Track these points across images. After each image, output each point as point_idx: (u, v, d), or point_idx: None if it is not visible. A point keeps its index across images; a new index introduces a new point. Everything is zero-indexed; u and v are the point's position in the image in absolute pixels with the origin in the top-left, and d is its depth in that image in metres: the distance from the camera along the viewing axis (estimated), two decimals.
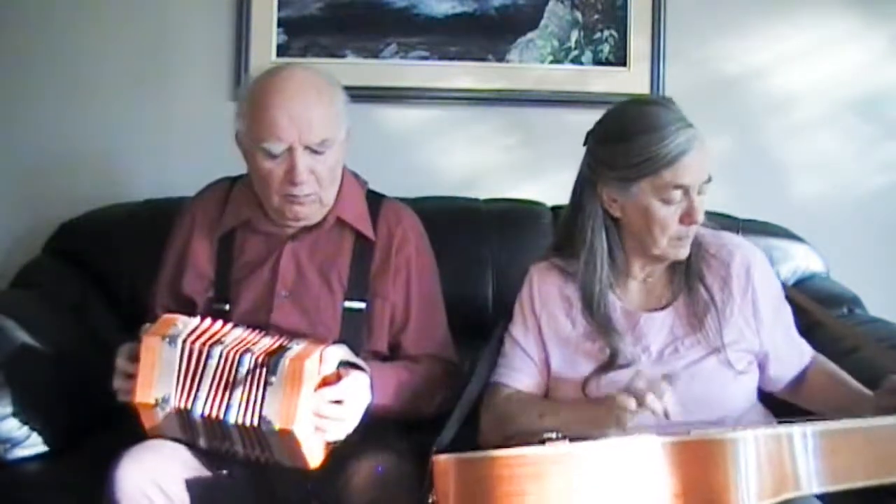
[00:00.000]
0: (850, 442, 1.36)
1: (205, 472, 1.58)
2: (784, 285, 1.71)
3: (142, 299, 1.92)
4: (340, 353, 1.59)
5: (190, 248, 1.81)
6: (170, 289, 1.82)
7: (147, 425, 1.56)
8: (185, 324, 1.58)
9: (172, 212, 1.92)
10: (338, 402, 1.54)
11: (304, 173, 1.67)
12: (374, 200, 1.85)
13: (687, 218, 1.53)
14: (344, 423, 1.56)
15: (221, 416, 1.51)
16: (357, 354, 1.65)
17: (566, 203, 1.69)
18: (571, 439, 1.29)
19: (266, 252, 1.77)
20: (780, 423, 1.41)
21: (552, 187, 2.35)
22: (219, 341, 1.56)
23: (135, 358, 1.56)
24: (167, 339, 1.55)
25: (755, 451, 1.29)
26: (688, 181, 1.51)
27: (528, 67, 2.47)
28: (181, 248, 1.83)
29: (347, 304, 1.75)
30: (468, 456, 1.30)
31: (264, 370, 1.51)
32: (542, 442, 1.29)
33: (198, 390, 1.53)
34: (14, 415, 1.73)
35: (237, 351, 1.54)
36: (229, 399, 1.52)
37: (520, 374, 1.64)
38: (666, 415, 1.37)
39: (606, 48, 2.47)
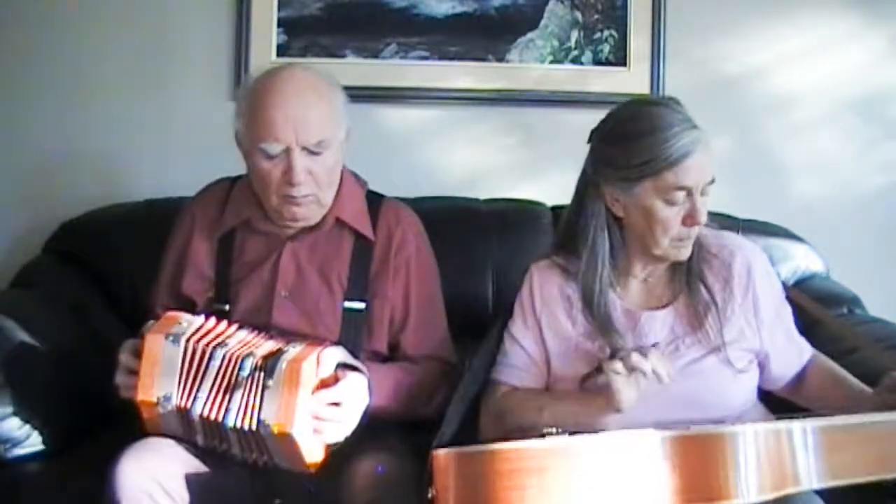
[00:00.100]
0: (850, 438, 1.36)
1: (205, 471, 1.58)
2: (784, 285, 1.71)
3: (142, 299, 1.92)
4: (338, 354, 1.59)
5: (190, 247, 1.81)
6: (170, 289, 1.82)
7: (147, 424, 1.57)
8: (189, 322, 1.58)
9: (172, 212, 1.92)
10: (336, 404, 1.54)
11: (301, 174, 1.67)
12: (374, 200, 1.85)
13: (689, 219, 1.53)
14: (342, 426, 1.56)
15: (220, 419, 1.52)
16: (356, 355, 1.65)
17: (566, 203, 1.69)
18: (571, 434, 1.29)
19: (266, 252, 1.77)
20: (779, 418, 1.41)
21: (552, 187, 2.35)
22: (222, 343, 1.56)
23: (138, 354, 1.56)
24: (170, 338, 1.55)
25: (755, 446, 1.29)
26: (690, 183, 1.50)
27: (528, 67, 2.47)
28: (181, 248, 1.83)
29: (347, 304, 1.75)
30: (468, 450, 1.30)
31: (262, 373, 1.51)
32: (542, 436, 1.29)
33: (198, 391, 1.53)
34: (14, 414, 1.73)
35: (240, 354, 1.54)
36: (229, 402, 1.52)
37: (519, 371, 1.64)
38: (657, 375, 1.37)
39: (606, 48, 2.47)
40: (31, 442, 1.76)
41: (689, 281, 1.60)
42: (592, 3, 2.46)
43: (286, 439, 1.49)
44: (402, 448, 1.62)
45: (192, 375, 1.54)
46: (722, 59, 2.49)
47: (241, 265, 1.78)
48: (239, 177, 1.86)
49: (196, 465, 1.58)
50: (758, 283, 1.60)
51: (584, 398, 1.53)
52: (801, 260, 2.27)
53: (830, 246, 2.35)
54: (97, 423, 1.85)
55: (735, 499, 1.26)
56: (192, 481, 1.54)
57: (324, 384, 1.55)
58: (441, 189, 2.37)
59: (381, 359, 1.78)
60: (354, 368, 1.60)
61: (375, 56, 2.47)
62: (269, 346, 1.57)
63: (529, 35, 2.47)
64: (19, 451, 1.75)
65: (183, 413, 1.54)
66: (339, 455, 1.55)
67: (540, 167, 2.48)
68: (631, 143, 1.53)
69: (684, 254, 1.58)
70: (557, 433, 1.30)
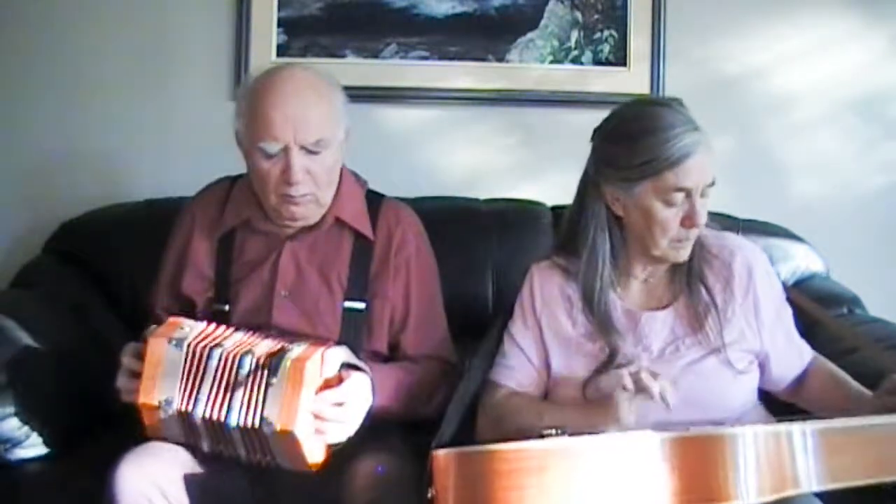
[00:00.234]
0: (850, 440, 1.36)
1: (204, 475, 1.58)
2: (784, 286, 1.71)
3: (142, 299, 1.92)
4: (342, 354, 1.59)
5: (190, 247, 1.81)
6: (170, 289, 1.82)
7: (149, 429, 1.56)
8: (192, 327, 1.58)
9: (172, 212, 1.92)
10: (339, 404, 1.54)
11: (299, 173, 1.67)
12: (374, 200, 1.85)
13: (688, 221, 1.53)
14: (345, 426, 1.56)
15: (223, 418, 1.51)
16: (357, 355, 1.65)
17: (566, 203, 1.69)
18: (570, 435, 1.29)
19: (266, 252, 1.77)
20: (779, 421, 1.41)
21: (552, 187, 2.36)
22: (219, 344, 1.56)
23: (140, 357, 1.56)
24: (173, 342, 1.54)
25: (754, 448, 1.29)
26: (690, 184, 1.50)
27: (528, 67, 2.47)
28: (181, 248, 1.82)
29: (347, 304, 1.75)
30: (468, 450, 1.30)
31: (265, 371, 1.51)
32: (542, 437, 1.29)
33: (199, 393, 1.53)
34: (14, 415, 1.73)
35: (237, 353, 1.54)
36: (230, 401, 1.52)
37: (517, 373, 1.64)
38: (664, 400, 1.37)
39: (606, 48, 2.47)
40: (32, 442, 1.76)
41: (690, 282, 1.60)
42: (592, 3, 2.46)
43: (288, 438, 1.49)
44: (402, 448, 1.62)
45: (192, 378, 1.54)
46: (722, 59, 2.49)
47: (241, 265, 1.78)
48: (239, 176, 1.86)
49: (195, 470, 1.57)
50: (758, 283, 1.60)
51: (585, 408, 1.53)
52: (801, 260, 2.27)
53: (830, 246, 2.35)
54: (97, 424, 1.85)
55: (734, 500, 1.26)
56: (191, 485, 1.54)
57: (328, 384, 1.55)
58: (441, 189, 2.37)
59: (381, 359, 1.78)
60: (358, 368, 1.60)
61: (375, 56, 2.47)
62: (268, 344, 1.56)
63: (529, 35, 2.47)
64: (19, 452, 1.75)
65: (185, 417, 1.53)
66: (340, 455, 1.55)
67: (540, 167, 2.48)
68: (632, 142, 1.53)
69: (683, 255, 1.58)
70: (557, 434, 1.29)
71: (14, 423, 1.73)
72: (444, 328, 1.86)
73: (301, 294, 1.74)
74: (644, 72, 2.46)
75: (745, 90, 2.49)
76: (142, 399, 1.53)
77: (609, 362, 1.55)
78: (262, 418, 1.49)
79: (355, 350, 1.66)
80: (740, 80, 2.49)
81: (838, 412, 1.43)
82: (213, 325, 1.60)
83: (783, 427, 1.33)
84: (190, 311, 1.73)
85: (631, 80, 2.45)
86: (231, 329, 1.60)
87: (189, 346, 1.54)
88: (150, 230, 2.02)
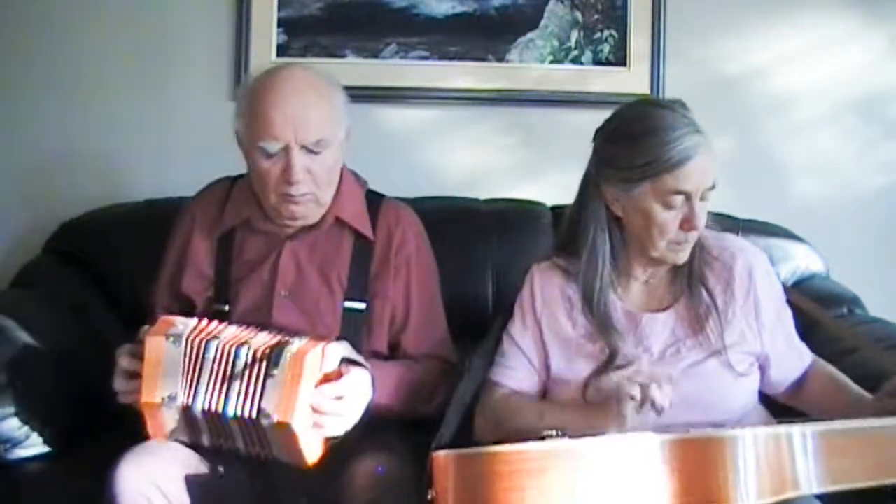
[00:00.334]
0: (850, 443, 1.36)
1: (204, 474, 1.58)
2: (784, 287, 1.71)
3: (142, 299, 1.92)
4: (342, 349, 1.59)
5: (190, 247, 1.81)
6: (170, 288, 1.82)
7: (151, 428, 1.56)
8: (186, 324, 1.58)
9: (172, 212, 1.92)
10: (338, 398, 1.54)
11: (299, 173, 1.67)
12: (374, 200, 1.85)
13: (686, 224, 1.52)
14: (343, 420, 1.56)
15: (221, 409, 1.51)
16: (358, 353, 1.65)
17: (566, 203, 1.69)
18: (571, 436, 1.29)
19: (266, 251, 1.78)
20: (779, 423, 1.41)
21: (552, 187, 2.36)
22: (215, 337, 1.56)
23: (137, 357, 1.56)
24: (171, 339, 1.54)
25: (754, 450, 1.29)
26: (690, 187, 1.50)
27: (528, 67, 2.47)
28: (181, 248, 1.83)
29: (347, 304, 1.75)
30: (468, 452, 1.30)
31: (265, 363, 1.51)
32: (542, 438, 1.29)
33: (198, 385, 1.53)
34: (14, 415, 1.73)
35: (232, 344, 1.54)
36: (227, 392, 1.51)
37: (516, 373, 1.64)
38: (661, 410, 1.37)
39: (606, 48, 2.47)
40: (32, 442, 1.76)
41: (691, 283, 1.60)
42: (592, 3, 2.46)
43: (285, 430, 1.49)
44: (402, 448, 1.62)
45: (192, 372, 1.54)
46: (722, 59, 2.49)
47: (241, 265, 1.78)
48: (239, 176, 1.86)
49: (196, 468, 1.58)
50: (759, 285, 1.60)
51: (585, 409, 1.53)
52: (801, 260, 2.27)
53: (830, 246, 2.35)
54: (97, 424, 1.85)
55: (734, 502, 1.26)
56: (191, 484, 1.54)
57: (327, 378, 1.54)
58: (441, 189, 2.37)
59: (381, 359, 1.78)
60: (358, 364, 1.60)
61: (375, 56, 2.46)
62: (265, 337, 1.56)
63: (529, 35, 2.47)
64: (19, 452, 1.75)
65: (187, 411, 1.54)
66: (339, 455, 1.55)
67: (540, 167, 2.48)
68: (632, 143, 1.52)
69: (682, 257, 1.58)
70: (557, 435, 1.29)
71: (14, 423, 1.73)
72: (444, 328, 1.86)
73: (301, 294, 1.75)
74: (644, 72, 2.46)
75: (745, 90, 2.49)
76: (144, 398, 1.53)
77: (609, 363, 1.55)
78: (259, 410, 1.49)
79: (355, 350, 1.66)
80: (740, 80, 2.49)
81: (838, 415, 1.43)
82: (207, 320, 1.60)
83: (783, 429, 1.34)
84: (190, 311, 1.73)
85: (631, 80, 2.45)
86: (224, 324, 1.60)
87: (187, 340, 1.54)
88: (150, 230, 2.02)
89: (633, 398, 1.39)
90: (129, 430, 1.58)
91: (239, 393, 1.51)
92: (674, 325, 1.59)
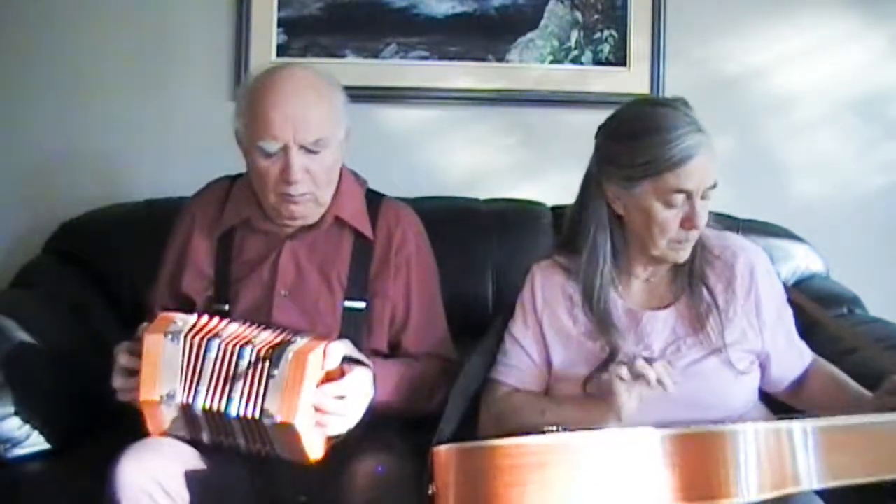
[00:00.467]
0: (851, 439, 1.37)
1: (205, 470, 1.58)
2: (784, 286, 1.71)
3: (142, 299, 1.92)
4: (344, 348, 1.59)
5: (190, 246, 1.81)
6: (169, 288, 1.82)
7: (151, 425, 1.56)
8: (185, 321, 1.58)
9: (172, 212, 1.92)
10: (340, 397, 1.54)
11: (298, 172, 1.67)
12: (374, 200, 1.85)
13: (687, 222, 1.52)
14: (346, 419, 1.56)
15: (223, 409, 1.51)
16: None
17: (566, 203, 1.69)
18: (572, 431, 1.29)
19: (265, 251, 1.78)
20: (780, 418, 1.41)
21: (552, 187, 2.36)
22: (217, 335, 1.56)
23: (136, 355, 1.56)
24: (169, 336, 1.54)
25: (755, 445, 1.29)
26: (690, 186, 1.50)
27: (528, 67, 2.47)
28: (181, 248, 1.83)
29: (347, 303, 1.75)
30: (469, 446, 1.30)
31: (267, 363, 1.51)
32: (543, 433, 1.29)
33: (199, 384, 1.53)
34: (14, 414, 1.73)
35: (236, 343, 1.54)
36: (230, 392, 1.51)
37: (519, 372, 1.64)
38: (661, 384, 1.37)
39: (606, 48, 2.47)
40: (32, 442, 1.76)
41: (692, 282, 1.60)
42: (592, 3, 2.46)
43: (288, 430, 1.49)
44: (402, 447, 1.62)
45: (192, 369, 1.54)
46: (722, 59, 2.49)
47: (241, 264, 1.78)
48: (239, 176, 1.86)
49: (196, 465, 1.57)
50: (760, 284, 1.60)
51: (586, 403, 1.53)
52: (801, 260, 2.27)
53: (830, 246, 2.35)
54: (97, 423, 1.85)
55: (735, 497, 1.27)
56: (192, 481, 1.53)
57: (329, 377, 1.55)
58: (441, 189, 2.37)
59: (382, 357, 1.78)
60: (360, 362, 1.61)
61: (375, 56, 2.47)
62: (267, 336, 1.56)
63: (529, 35, 2.47)
64: (19, 451, 1.75)
65: (186, 409, 1.54)
66: (340, 454, 1.55)
67: (540, 167, 2.48)
68: (634, 141, 1.52)
69: (682, 256, 1.58)
70: (558, 430, 1.29)
71: (14, 422, 1.73)
72: (445, 327, 1.86)
73: (301, 293, 1.75)
74: (644, 72, 2.46)
75: (745, 90, 2.49)
76: (142, 396, 1.53)
77: (610, 361, 1.55)
78: (262, 410, 1.49)
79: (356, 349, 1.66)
80: (740, 80, 2.49)
81: (838, 413, 1.42)
82: (207, 316, 1.60)
83: (784, 424, 1.34)
84: (190, 311, 1.72)
85: (631, 80, 2.45)
86: (225, 321, 1.60)
87: (186, 338, 1.54)
88: (150, 230, 2.02)
89: (621, 378, 1.40)
90: (128, 429, 1.58)
91: (241, 393, 1.51)
92: (674, 323, 1.59)
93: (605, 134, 1.60)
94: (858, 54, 2.49)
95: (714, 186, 1.53)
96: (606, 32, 2.47)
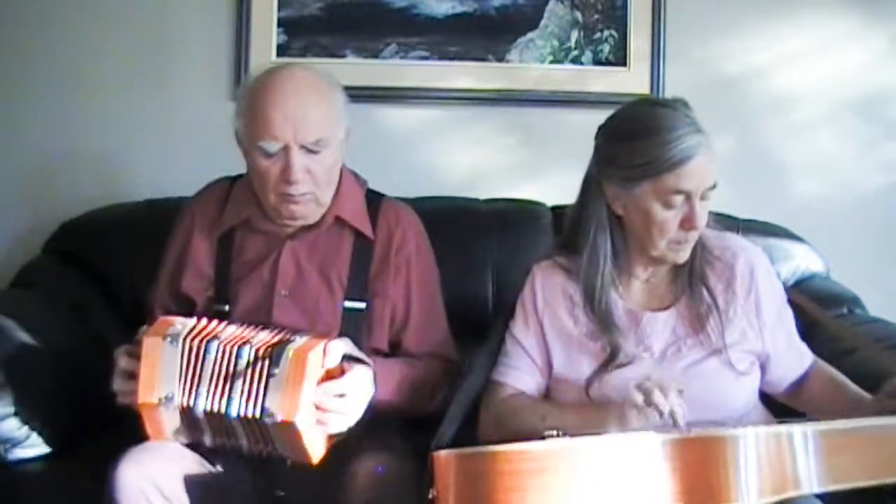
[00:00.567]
0: (851, 442, 1.36)
1: (205, 473, 1.58)
2: (784, 287, 1.71)
3: (142, 299, 1.92)
4: (344, 346, 1.59)
5: (190, 246, 1.81)
6: (169, 288, 1.82)
7: (150, 429, 1.55)
8: (184, 324, 1.58)
9: (172, 212, 1.92)
10: (341, 395, 1.54)
11: (299, 172, 1.67)
12: (374, 200, 1.85)
13: (687, 223, 1.52)
14: (346, 417, 1.55)
15: (223, 409, 1.51)
16: None
17: (566, 203, 1.69)
18: (572, 437, 1.29)
19: (266, 251, 1.78)
20: (780, 422, 1.41)
21: (552, 187, 2.36)
22: (215, 336, 1.56)
23: (135, 358, 1.56)
24: (168, 339, 1.54)
25: (755, 449, 1.29)
26: (690, 187, 1.50)
27: (528, 67, 2.47)
28: (181, 248, 1.83)
29: (347, 303, 1.75)
30: (469, 451, 1.30)
31: (267, 362, 1.51)
32: (543, 438, 1.29)
33: (199, 386, 1.53)
34: (14, 415, 1.73)
35: (234, 343, 1.54)
36: (230, 392, 1.51)
37: (520, 373, 1.64)
38: (673, 418, 1.36)
39: (606, 48, 2.47)
40: (31, 442, 1.76)
41: (692, 283, 1.60)
42: (592, 3, 2.46)
43: (289, 429, 1.49)
44: (402, 448, 1.62)
45: (191, 372, 1.54)
46: (722, 59, 2.49)
47: (241, 264, 1.78)
48: (239, 176, 1.86)
49: (196, 467, 1.58)
50: (760, 284, 1.60)
51: (587, 409, 1.53)
52: (801, 260, 2.27)
53: (830, 246, 2.35)
54: (97, 424, 1.85)
55: (735, 501, 1.26)
56: (191, 484, 1.54)
57: (329, 375, 1.55)
58: (441, 189, 2.37)
59: (382, 357, 1.78)
60: (360, 360, 1.61)
61: (375, 56, 2.47)
62: (265, 336, 1.56)
63: (529, 35, 2.47)
64: (19, 452, 1.75)
65: (186, 412, 1.53)
66: (340, 454, 1.55)
67: (540, 167, 2.48)
68: (633, 142, 1.52)
69: (682, 257, 1.58)
70: (558, 435, 1.29)
71: (14, 423, 1.73)
72: (445, 327, 1.86)
73: (301, 293, 1.75)
74: (644, 72, 2.46)
75: (745, 90, 2.49)
76: (141, 399, 1.53)
77: (610, 361, 1.55)
78: (263, 409, 1.49)
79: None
80: (740, 80, 2.49)
81: (838, 415, 1.42)
82: (206, 319, 1.60)
83: (784, 428, 1.33)
84: (190, 311, 1.73)
85: (631, 80, 2.45)
86: (224, 323, 1.60)
87: (185, 340, 1.54)
88: (150, 230, 2.02)
89: (636, 406, 1.39)
90: (128, 430, 1.57)
91: (241, 393, 1.51)
92: (674, 323, 1.59)
93: (605, 134, 1.60)
94: (858, 54, 2.49)
95: (714, 187, 1.53)
96: (606, 32, 2.47)
